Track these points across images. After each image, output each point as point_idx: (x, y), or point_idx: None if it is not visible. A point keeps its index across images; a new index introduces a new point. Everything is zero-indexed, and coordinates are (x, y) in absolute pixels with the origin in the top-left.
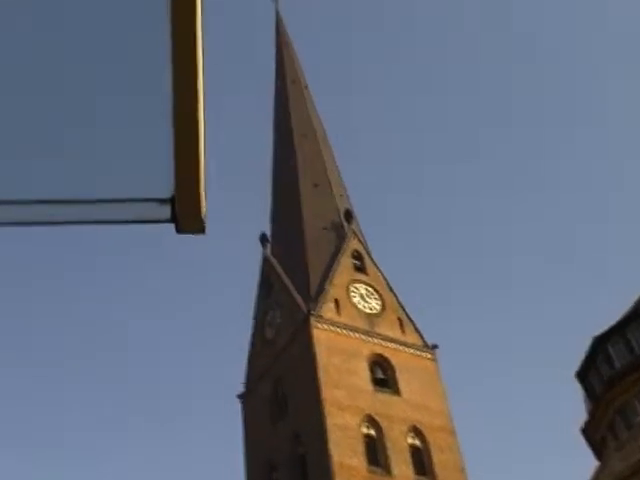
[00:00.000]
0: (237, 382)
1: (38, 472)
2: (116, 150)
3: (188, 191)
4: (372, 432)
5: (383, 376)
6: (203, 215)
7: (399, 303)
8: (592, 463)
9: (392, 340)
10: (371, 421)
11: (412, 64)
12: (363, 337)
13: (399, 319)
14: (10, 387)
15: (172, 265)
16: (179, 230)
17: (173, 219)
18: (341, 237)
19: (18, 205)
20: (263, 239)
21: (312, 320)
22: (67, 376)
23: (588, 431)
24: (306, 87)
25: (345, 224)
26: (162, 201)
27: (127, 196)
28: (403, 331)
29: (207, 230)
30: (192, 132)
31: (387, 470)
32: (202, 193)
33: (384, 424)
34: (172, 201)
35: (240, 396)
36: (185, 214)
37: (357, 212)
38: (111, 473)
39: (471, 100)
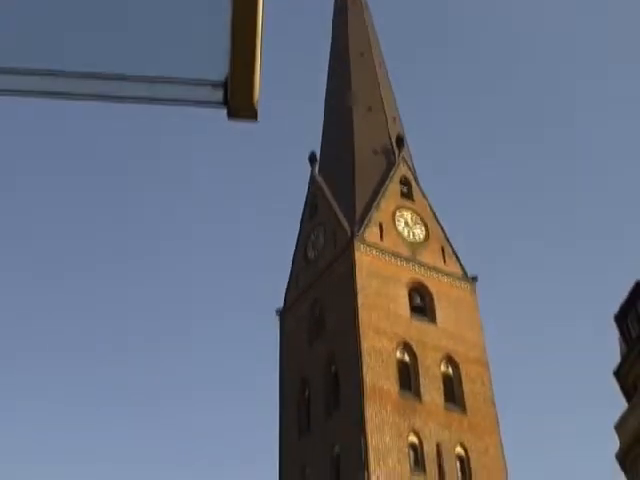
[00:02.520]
0: (277, 300)
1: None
2: (174, 30)
3: (242, 75)
4: (406, 358)
5: (421, 304)
6: (256, 101)
7: (443, 232)
8: (623, 407)
9: (433, 269)
10: (406, 347)
11: None
12: (404, 264)
13: (442, 248)
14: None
15: (223, 169)
16: (230, 115)
17: (225, 103)
18: (391, 162)
19: (74, 78)
20: (312, 159)
21: (355, 243)
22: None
23: (620, 374)
24: (366, 7)
25: (396, 149)
26: (215, 85)
27: (182, 76)
28: (445, 261)
29: (259, 117)
30: (251, 16)
31: (418, 395)
32: (256, 78)
33: (418, 351)
34: (225, 85)
35: (279, 313)
36: (237, 98)
37: (408, 138)
38: (143, 388)
39: None
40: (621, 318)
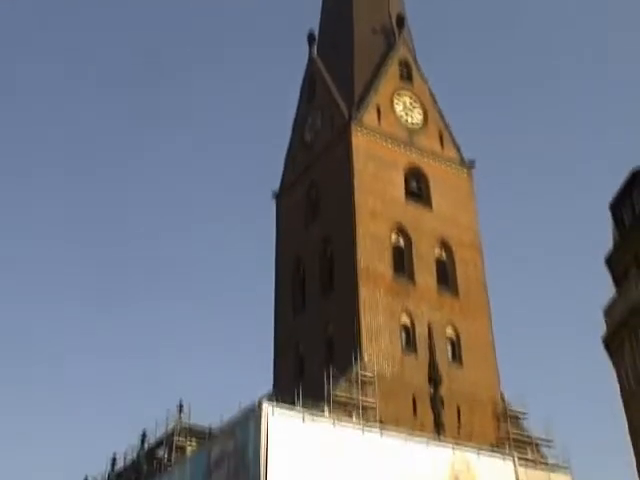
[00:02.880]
0: (273, 182)
1: None
2: None
3: None
4: (401, 242)
5: (417, 188)
6: None
7: (441, 117)
8: (612, 294)
9: (430, 153)
10: (401, 231)
11: None
12: (402, 148)
13: (439, 133)
14: None
15: (220, 49)
16: None
17: None
18: (390, 43)
19: None
20: (310, 38)
21: (352, 126)
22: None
23: (612, 262)
24: None
25: (396, 30)
26: None
27: None
28: (442, 145)
29: None
30: None
31: (411, 279)
32: None
33: (413, 235)
34: None
35: (275, 196)
36: None
37: (409, 18)
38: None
39: None
40: (615, 206)
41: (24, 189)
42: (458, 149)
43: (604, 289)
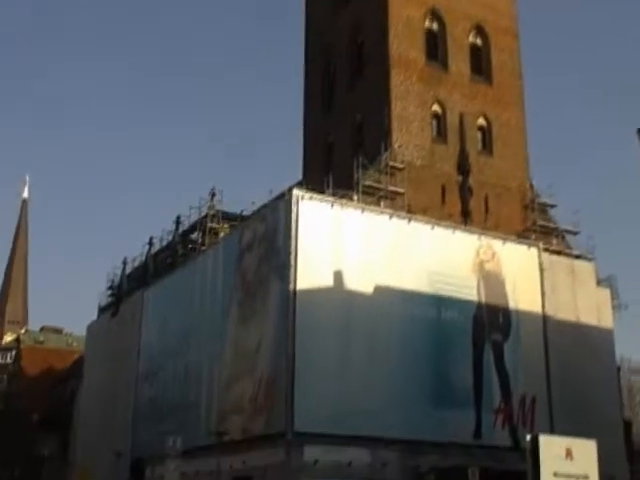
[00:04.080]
0: None
1: None
2: None
3: None
4: (434, 27)
5: None
6: None
7: None
8: None
9: None
10: (435, 15)
11: None
12: None
13: None
14: None
15: None
16: None
17: None
18: None
19: None
20: None
21: None
22: None
23: None
24: None
25: None
26: None
27: None
28: None
29: None
30: None
31: (444, 66)
32: None
33: (448, 19)
34: None
35: None
36: None
37: None
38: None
39: None
40: None
41: None
42: None
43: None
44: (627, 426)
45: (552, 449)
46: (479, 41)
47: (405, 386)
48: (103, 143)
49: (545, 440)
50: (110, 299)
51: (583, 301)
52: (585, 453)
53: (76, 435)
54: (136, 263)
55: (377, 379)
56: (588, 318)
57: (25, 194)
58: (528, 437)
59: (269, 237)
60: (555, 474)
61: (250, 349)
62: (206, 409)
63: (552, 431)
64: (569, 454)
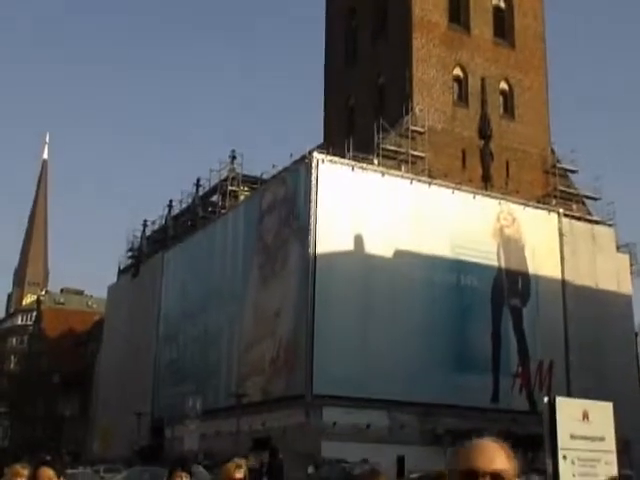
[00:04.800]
0: None
1: None
2: None
3: None
4: None
5: None
6: None
7: None
8: None
9: None
10: None
11: None
12: None
13: None
14: None
15: None
16: None
17: None
18: None
19: None
20: None
21: None
22: None
23: None
24: None
25: None
26: None
27: None
28: None
29: None
30: None
31: (467, 29)
32: None
33: None
34: None
35: None
36: None
37: None
38: None
39: None
40: None
41: None
42: None
43: None
44: None
45: (569, 411)
46: (502, 4)
47: (424, 350)
48: (125, 102)
49: (562, 402)
50: (130, 261)
51: (602, 267)
52: (602, 416)
53: (97, 396)
54: (156, 226)
55: (396, 343)
56: (607, 284)
57: (45, 155)
58: (545, 399)
59: (289, 200)
60: (572, 436)
61: (270, 312)
62: (226, 371)
63: (569, 395)
64: (586, 416)
